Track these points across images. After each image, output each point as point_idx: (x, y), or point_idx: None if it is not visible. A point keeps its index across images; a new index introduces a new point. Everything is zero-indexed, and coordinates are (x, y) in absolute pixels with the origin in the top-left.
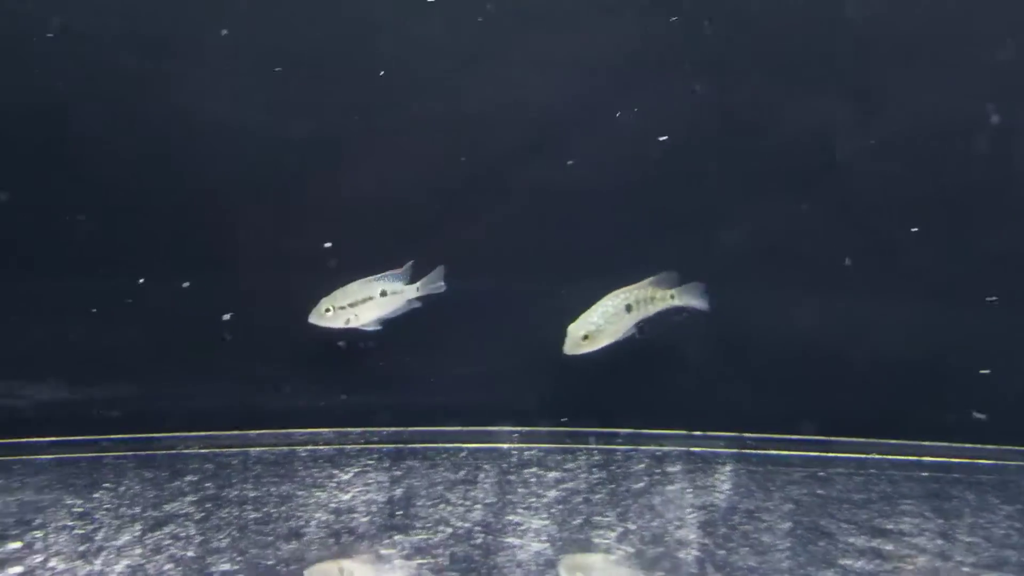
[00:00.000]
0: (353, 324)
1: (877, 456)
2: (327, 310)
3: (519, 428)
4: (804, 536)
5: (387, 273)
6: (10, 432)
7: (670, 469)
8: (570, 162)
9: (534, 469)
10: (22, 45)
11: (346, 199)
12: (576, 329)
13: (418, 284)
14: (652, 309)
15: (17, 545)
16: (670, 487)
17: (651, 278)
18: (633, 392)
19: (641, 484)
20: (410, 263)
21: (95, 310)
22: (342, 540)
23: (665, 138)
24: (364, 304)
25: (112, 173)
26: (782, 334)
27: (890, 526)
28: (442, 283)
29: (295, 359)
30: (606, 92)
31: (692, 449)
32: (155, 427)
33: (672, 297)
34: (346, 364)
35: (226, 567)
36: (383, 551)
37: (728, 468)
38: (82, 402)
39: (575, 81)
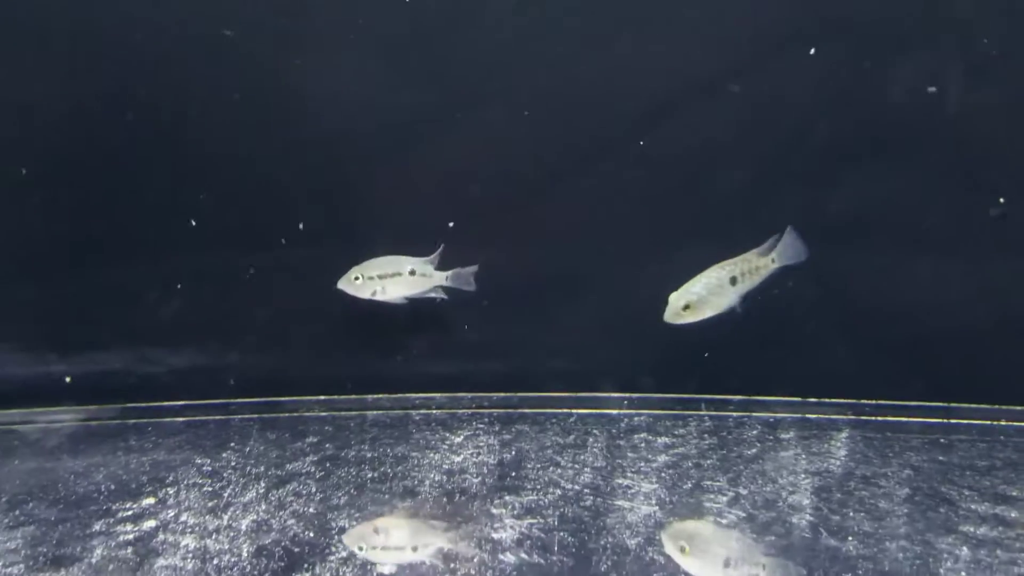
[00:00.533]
0: (379, 296)
1: (1004, 423)
2: (356, 278)
3: (628, 394)
4: (923, 502)
5: (421, 258)
6: (145, 396)
7: (783, 435)
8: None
9: (643, 434)
10: (164, 34)
11: (462, 169)
12: (677, 299)
13: (448, 274)
14: (757, 279)
15: (151, 501)
16: (783, 453)
17: (754, 249)
18: (746, 358)
19: (753, 450)
20: (440, 248)
21: (224, 283)
22: (455, 499)
23: (934, 89)
24: (392, 279)
25: (233, 151)
26: (900, 298)
27: (1015, 493)
28: (473, 282)
29: (409, 327)
30: (718, 61)
31: (807, 416)
32: (278, 392)
33: (773, 261)
34: (458, 331)
35: (345, 523)
36: (494, 511)
37: (844, 434)
38: (211, 368)
39: (692, 50)
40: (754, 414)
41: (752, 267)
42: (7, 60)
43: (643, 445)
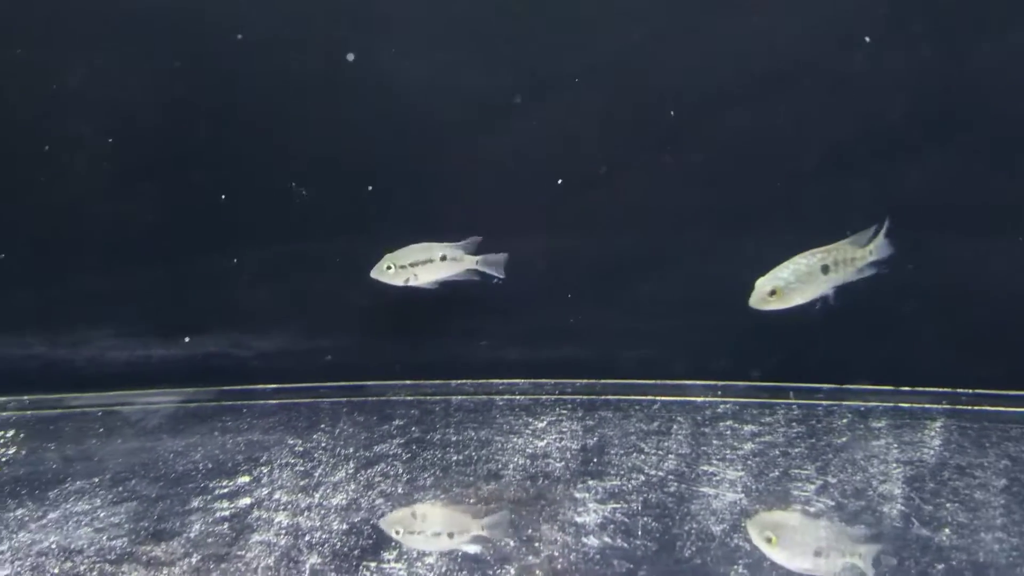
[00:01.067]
0: (412, 283)
1: None
2: (388, 267)
3: (714, 382)
4: (1021, 493)
5: (451, 244)
6: (239, 379)
7: (875, 425)
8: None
9: (729, 422)
10: (255, 26)
11: (539, 154)
12: (763, 284)
13: (479, 258)
14: (851, 271)
15: (246, 479)
16: (874, 442)
17: (848, 238)
18: (837, 346)
19: (843, 439)
20: (475, 238)
21: (315, 270)
22: (538, 483)
23: None
24: (424, 265)
25: (321, 140)
26: (999, 284)
27: None
28: (502, 270)
29: (493, 313)
30: (792, 44)
31: (899, 404)
32: (367, 376)
33: (871, 254)
34: (542, 318)
35: (430, 503)
36: (577, 494)
37: (938, 424)
38: (302, 352)
39: (766, 35)
40: (844, 403)
41: (847, 257)
42: (109, 55)
43: (729, 433)
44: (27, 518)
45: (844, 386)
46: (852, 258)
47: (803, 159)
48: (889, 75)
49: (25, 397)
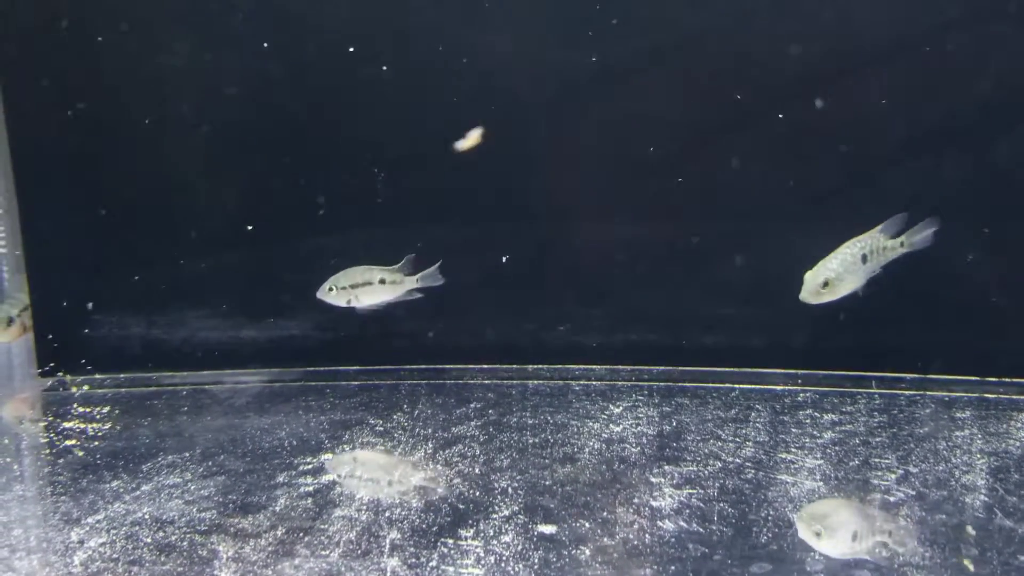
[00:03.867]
0: (354, 304)
1: None
2: (330, 289)
3: (795, 370)
4: None
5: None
6: (323, 361)
7: (959, 415)
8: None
9: (809, 411)
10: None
11: (620, 136)
12: (815, 276)
13: (417, 276)
14: (883, 260)
15: (330, 456)
16: (958, 433)
17: (880, 225)
18: (920, 335)
19: (926, 429)
20: (410, 256)
21: (396, 255)
22: (614, 467)
23: None
24: (364, 288)
25: (405, 126)
26: None
27: None
28: (440, 276)
29: (570, 299)
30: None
31: (985, 395)
32: (445, 359)
33: (902, 245)
34: (619, 303)
35: (507, 484)
36: (653, 479)
37: None
38: (384, 335)
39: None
40: (928, 393)
41: (879, 247)
42: (205, 44)
43: (808, 421)
44: (122, 490)
45: (928, 375)
46: (884, 248)
47: (885, 143)
48: (981, 58)
49: (121, 375)
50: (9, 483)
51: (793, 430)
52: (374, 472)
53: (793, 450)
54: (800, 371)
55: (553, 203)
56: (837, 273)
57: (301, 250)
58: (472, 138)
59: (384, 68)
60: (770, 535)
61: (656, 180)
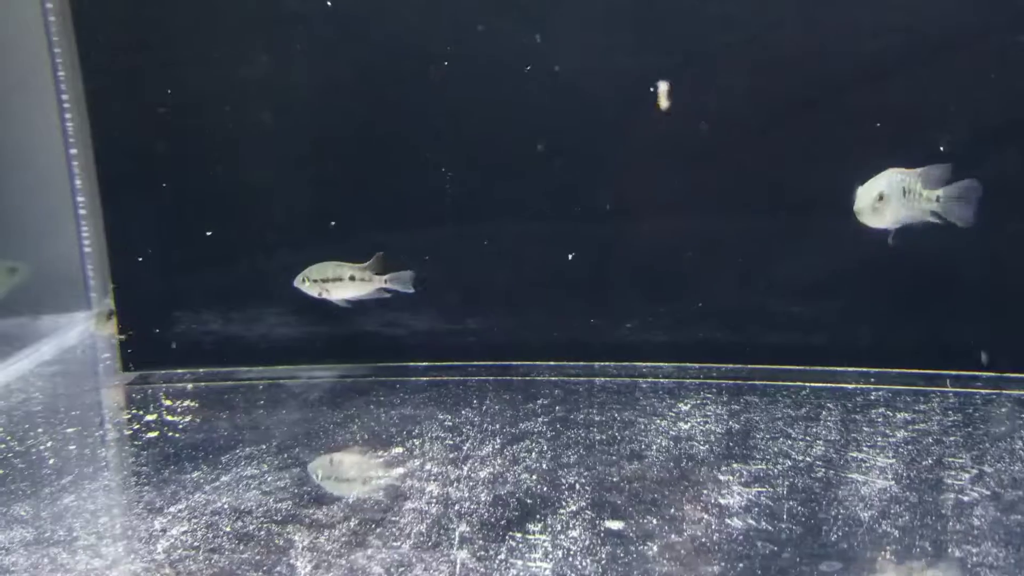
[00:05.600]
0: (326, 296)
1: None
2: (304, 280)
3: (867, 368)
4: None
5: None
6: (393, 357)
7: None
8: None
9: (881, 409)
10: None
11: (689, 132)
12: (868, 190)
13: (387, 277)
14: (916, 208)
15: (400, 450)
16: None
17: (920, 169)
18: (998, 333)
19: (1002, 428)
20: (379, 255)
21: (464, 252)
22: (682, 464)
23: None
24: (334, 283)
25: (471, 124)
26: None
27: None
28: (411, 286)
29: (636, 297)
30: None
31: None
32: (513, 356)
33: (937, 200)
34: (686, 301)
35: (574, 479)
36: (721, 477)
37: None
38: (452, 332)
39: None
40: (1004, 392)
41: (916, 190)
42: (279, 50)
43: (880, 420)
44: (202, 480)
45: (1004, 374)
46: (920, 194)
47: (950, 136)
48: None
49: (201, 370)
50: (96, 473)
51: (865, 428)
52: (443, 466)
53: (865, 448)
54: (873, 369)
55: (619, 200)
56: (888, 190)
57: (371, 249)
58: (663, 93)
59: (451, 73)
60: (840, 534)
61: (723, 176)
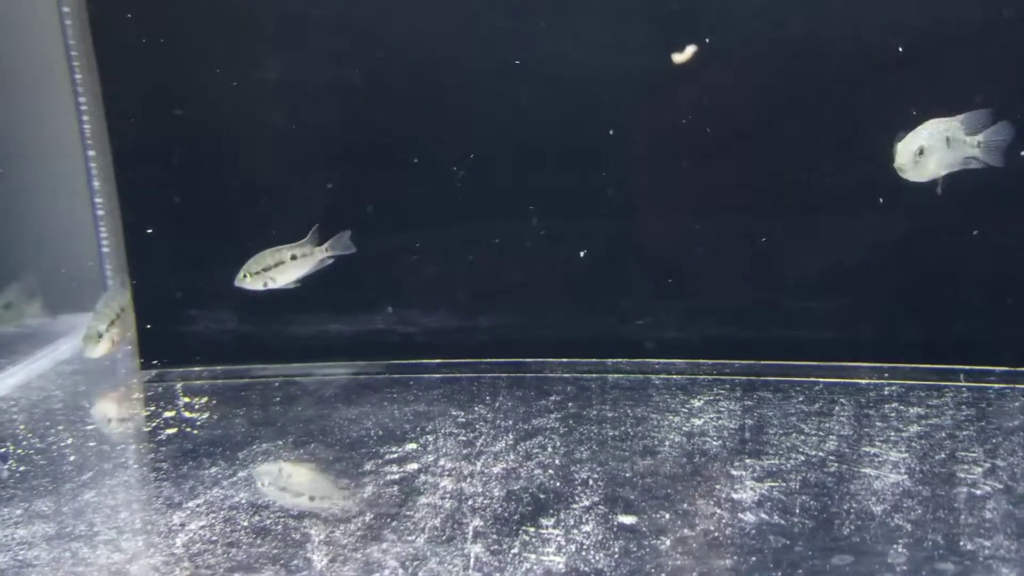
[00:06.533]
0: (271, 285)
1: None
2: (244, 276)
3: (880, 364)
4: None
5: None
6: (406, 354)
7: None
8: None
9: (894, 404)
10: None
11: (703, 129)
12: (907, 144)
13: (326, 245)
14: (959, 155)
15: (413, 446)
16: None
17: (961, 115)
18: (1011, 327)
19: (1016, 422)
20: (315, 227)
21: (475, 250)
22: (694, 460)
23: None
24: (277, 268)
25: (491, 123)
26: None
27: None
28: (351, 244)
29: (648, 293)
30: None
31: None
32: (525, 353)
33: (978, 146)
34: (698, 297)
35: (587, 475)
36: (734, 472)
37: None
38: (464, 330)
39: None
40: (1018, 386)
41: (959, 138)
42: (298, 53)
43: (893, 415)
44: (220, 476)
45: (1018, 369)
46: (963, 140)
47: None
48: None
49: (217, 367)
50: (115, 469)
51: (878, 424)
52: (456, 462)
53: (877, 443)
54: (886, 364)
55: (631, 197)
56: (929, 143)
57: (384, 248)
58: (687, 53)
59: (460, 74)
60: (853, 527)
61: (734, 173)
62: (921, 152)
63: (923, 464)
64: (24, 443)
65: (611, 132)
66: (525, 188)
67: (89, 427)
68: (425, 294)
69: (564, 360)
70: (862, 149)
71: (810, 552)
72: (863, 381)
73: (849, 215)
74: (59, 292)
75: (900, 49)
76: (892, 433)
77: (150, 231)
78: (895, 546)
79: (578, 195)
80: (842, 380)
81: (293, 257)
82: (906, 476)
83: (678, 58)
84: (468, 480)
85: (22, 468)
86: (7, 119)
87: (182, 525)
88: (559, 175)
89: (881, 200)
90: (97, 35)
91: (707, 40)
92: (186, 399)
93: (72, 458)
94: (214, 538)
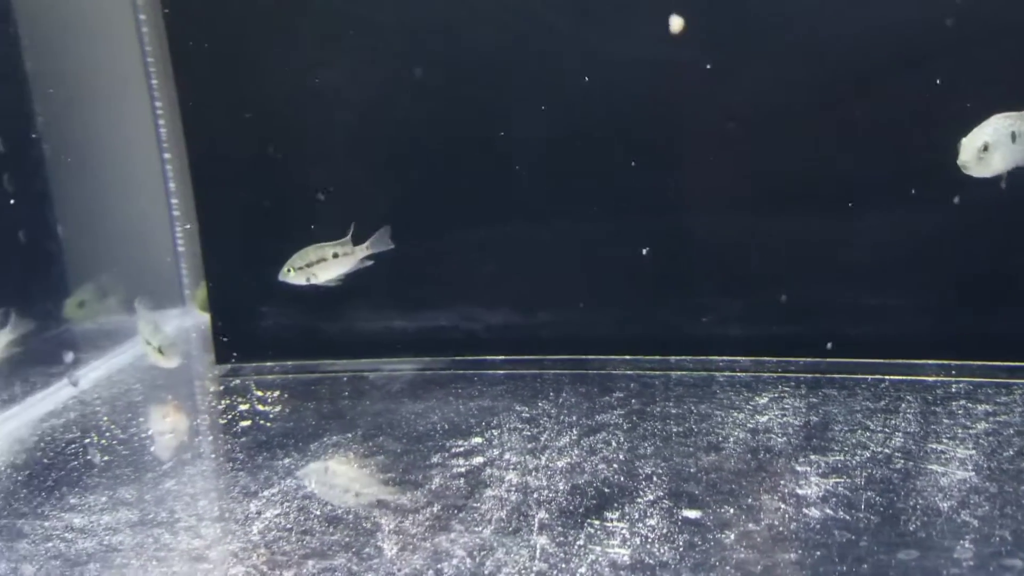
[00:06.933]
0: (314, 281)
1: None
2: (288, 271)
3: (947, 361)
4: None
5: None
6: (470, 350)
7: None
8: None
9: (962, 402)
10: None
11: (752, 123)
12: (972, 140)
13: (366, 244)
14: (1020, 152)
15: (479, 440)
16: None
17: None
18: None
19: None
20: (352, 225)
21: (537, 248)
22: (759, 456)
23: None
24: (319, 264)
25: (539, 126)
26: None
27: None
28: (390, 241)
29: (712, 291)
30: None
31: None
32: (588, 349)
33: None
34: (762, 294)
35: (651, 470)
36: (799, 468)
37: None
38: (527, 326)
39: None
40: None
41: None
42: (361, 54)
43: (961, 412)
44: (293, 466)
45: None
46: None
47: None
48: None
49: (288, 362)
50: (194, 459)
51: (945, 420)
52: (521, 456)
53: (944, 440)
54: (954, 362)
55: (695, 194)
56: (994, 139)
57: (448, 246)
58: (676, 24)
59: (523, 73)
60: (919, 523)
61: (798, 168)
62: (986, 148)
63: (991, 461)
64: (107, 434)
65: (672, 128)
66: (588, 185)
67: (168, 419)
68: (488, 291)
69: (627, 357)
70: (927, 143)
71: (876, 547)
72: (930, 378)
73: (915, 210)
74: (138, 290)
75: (958, 39)
76: (959, 430)
77: (224, 231)
78: (962, 542)
79: (641, 192)
80: (908, 377)
81: (335, 255)
82: (973, 473)
83: (676, 25)
84: (533, 474)
85: (106, 458)
86: (88, 124)
87: (258, 513)
88: (623, 172)
89: (952, 195)
90: (172, 42)
91: (763, 33)
92: (259, 393)
93: (153, 448)
94: (288, 526)
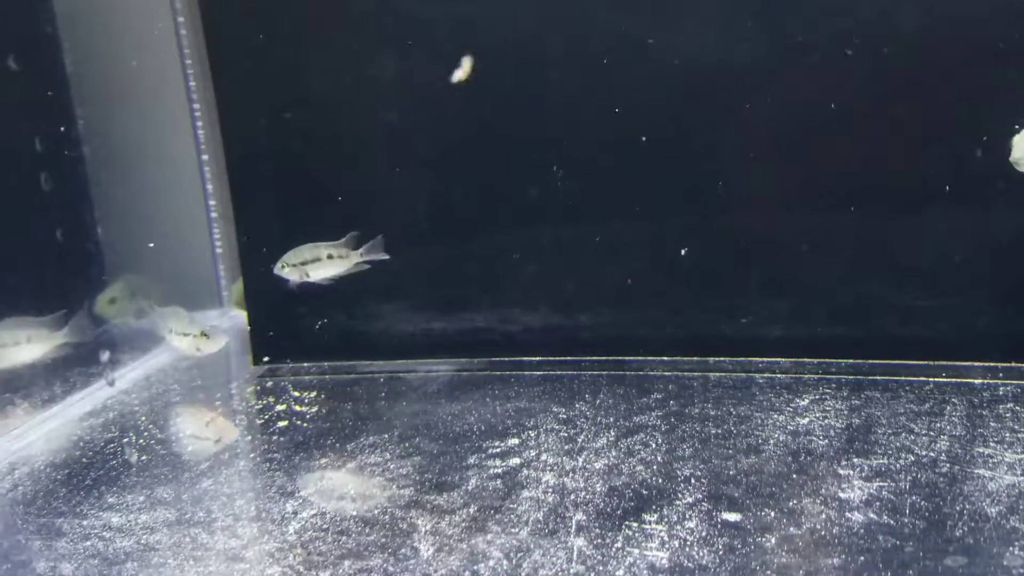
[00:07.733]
0: (306, 279)
1: None
2: (283, 266)
3: (994, 363)
4: None
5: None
6: (507, 352)
7: None
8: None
9: (1010, 404)
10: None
11: (803, 123)
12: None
13: (361, 250)
14: None
15: (516, 441)
16: None
17: None
18: None
19: None
20: (353, 233)
21: (575, 249)
22: (800, 459)
23: None
24: (313, 264)
25: (576, 124)
26: None
27: None
28: (383, 251)
29: (751, 292)
30: None
31: None
32: (626, 351)
33: None
34: (803, 295)
35: (689, 472)
36: (841, 471)
37: None
38: (565, 327)
39: None
40: None
41: None
42: (404, 53)
43: (1008, 415)
44: (329, 466)
45: None
46: None
47: None
48: None
49: (325, 363)
50: (232, 459)
51: (992, 424)
52: (558, 457)
53: (991, 444)
54: (1000, 364)
55: (733, 194)
56: None
57: (486, 247)
58: (465, 67)
59: (564, 73)
60: (966, 529)
61: (840, 167)
62: None
63: None
64: (145, 433)
65: (713, 128)
66: (627, 186)
67: (206, 419)
68: (527, 292)
69: (665, 358)
70: (974, 141)
71: (921, 553)
72: (976, 381)
73: (959, 210)
74: (175, 291)
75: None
76: (1007, 434)
77: (262, 232)
78: (1011, 548)
79: (680, 192)
80: (954, 380)
81: (330, 256)
82: (1022, 477)
83: (459, 74)
84: (570, 475)
85: (144, 457)
86: (128, 126)
87: (294, 513)
88: (661, 173)
89: (995, 193)
90: (210, 43)
91: (809, 32)
92: (296, 393)
93: (190, 448)
94: (325, 526)
